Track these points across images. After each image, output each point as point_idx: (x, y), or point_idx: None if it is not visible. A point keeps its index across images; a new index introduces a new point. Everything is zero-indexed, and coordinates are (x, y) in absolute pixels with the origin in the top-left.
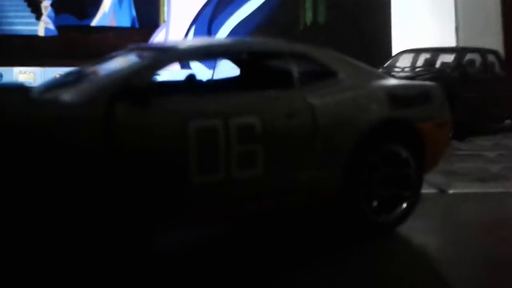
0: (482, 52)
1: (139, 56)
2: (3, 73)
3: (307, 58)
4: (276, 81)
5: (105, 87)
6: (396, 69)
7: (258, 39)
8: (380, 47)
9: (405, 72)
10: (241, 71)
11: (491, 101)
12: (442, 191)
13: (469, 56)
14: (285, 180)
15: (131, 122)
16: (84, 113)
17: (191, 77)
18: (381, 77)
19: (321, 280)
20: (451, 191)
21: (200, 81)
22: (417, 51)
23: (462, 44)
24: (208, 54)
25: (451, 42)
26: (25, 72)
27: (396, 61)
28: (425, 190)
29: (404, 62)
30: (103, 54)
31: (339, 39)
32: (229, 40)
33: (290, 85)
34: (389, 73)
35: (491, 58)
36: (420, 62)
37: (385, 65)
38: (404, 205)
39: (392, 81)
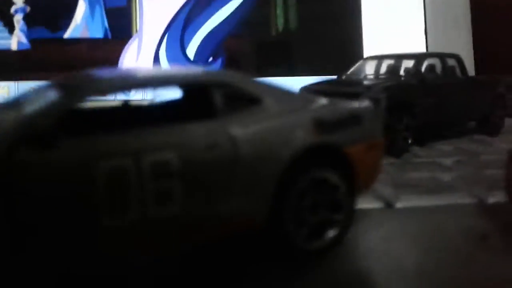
0: (442, 56)
1: (53, 93)
2: None
3: (230, 87)
4: (196, 112)
5: (6, 133)
6: (357, 77)
7: (182, 70)
8: (351, 52)
9: (367, 80)
10: (162, 103)
11: (451, 106)
12: (389, 205)
13: (429, 61)
14: (207, 215)
15: (33, 165)
16: None
17: (123, 106)
18: (308, 101)
19: None
20: (398, 205)
21: (127, 110)
22: (380, 58)
23: (431, 45)
24: (124, 87)
25: (421, 44)
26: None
27: (360, 68)
28: (371, 204)
29: (367, 69)
30: (77, 66)
31: (311, 44)
32: (149, 71)
33: (211, 116)
34: (351, 80)
35: (451, 62)
36: (383, 68)
37: (349, 72)
38: (336, 230)
39: (319, 106)
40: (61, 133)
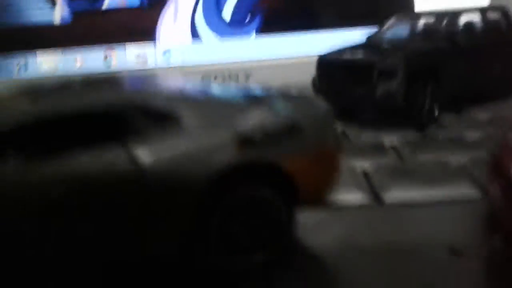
0: (484, 10)
1: None
2: (28, 62)
3: (140, 108)
4: (101, 137)
5: None
6: (383, 40)
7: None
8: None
9: (389, 45)
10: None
11: (491, 69)
12: (376, 198)
13: (467, 17)
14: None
15: None
16: None
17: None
18: (236, 112)
19: None
20: (388, 201)
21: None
22: (414, 15)
23: None
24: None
25: None
26: (47, 61)
27: (391, 27)
28: (355, 195)
29: (400, 28)
30: (116, 36)
31: None
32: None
33: (117, 141)
34: (372, 46)
35: (495, 16)
36: (417, 28)
37: (379, 31)
38: (269, 248)
39: (248, 117)
40: None
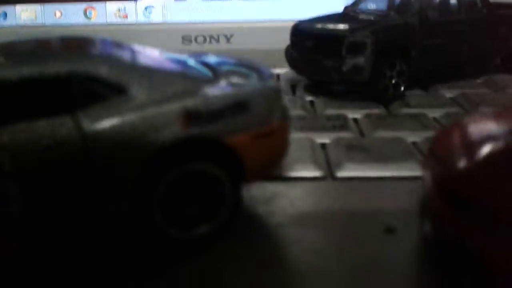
0: None
1: None
2: (7, 12)
3: (90, 76)
4: (47, 106)
5: None
6: (354, 14)
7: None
8: None
9: (360, 18)
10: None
11: (462, 46)
12: (322, 177)
13: None
14: (56, 219)
15: None
16: None
17: None
18: (186, 88)
19: None
20: (339, 174)
21: None
22: None
23: None
24: None
25: None
26: (26, 10)
27: (365, 1)
28: (308, 172)
29: (373, 3)
30: None
31: None
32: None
33: (61, 111)
34: (346, 18)
35: None
36: (391, 2)
37: (351, 5)
38: (213, 221)
39: (196, 93)
40: None
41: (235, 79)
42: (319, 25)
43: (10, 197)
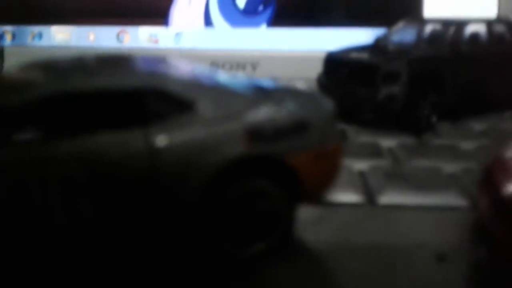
0: (490, 22)
1: None
2: (42, 32)
3: (159, 92)
4: (117, 120)
5: None
6: (390, 43)
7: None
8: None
9: (393, 49)
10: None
11: (493, 81)
12: (370, 200)
13: (471, 28)
14: (123, 234)
15: None
16: None
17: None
18: (251, 105)
19: None
20: (382, 202)
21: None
22: (422, 22)
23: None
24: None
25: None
26: (61, 32)
27: (398, 32)
28: (349, 197)
29: (406, 33)
30: (128, 15)
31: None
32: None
33: (132, 125)
34: (378, 48)
35: (499, 28)
36: (424, 34)
37: (385, 36)
38: (268, 240)
39: (260, 111)
40: None
41: (295, 100)
42: (353, 54)
43: (78, 207)
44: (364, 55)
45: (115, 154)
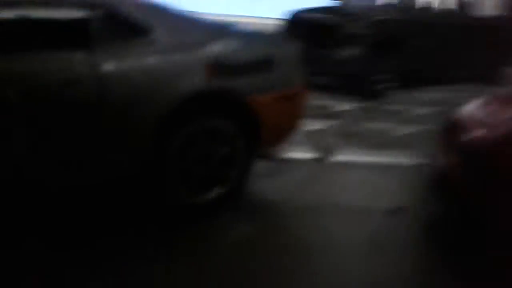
0: None
1: None
2: None
3: (112, 12)
4: (62, 39)
5: None
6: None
7: None
8: None
9: (354, 12)
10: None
11: (445, 50)
12: (319, 160)
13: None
14: (60, 161)
15: None
16: None
17: None
18: (212, 37)
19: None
20: (331, 159)
21: None
22: None
23: None
24: None
25: None
26: None
27: None
28: (302, 154)
29: None
30: None
31: None
32: None
33: (78, 46)
34: (339, 10)
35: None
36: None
37: None
38: (225, 186)
39: (223, 44)
40: None
41: (261, 39)
42: (315, 15)
43: (13, 132)
44: (326, 16)
45: (53, 76)
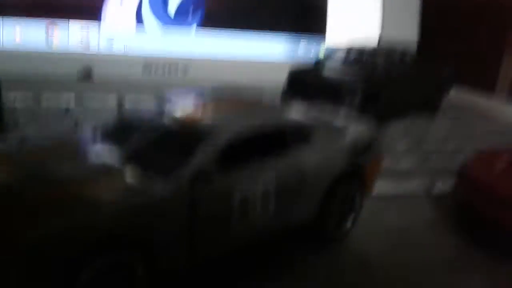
0: (395, 49)
1: None
2: None
3: (299, 130)
4: (280, 150)
5: None
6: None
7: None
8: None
9: (344, 74)
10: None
11: (406, 93)
12: None
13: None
14: (286, 219)
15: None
16: None
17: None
18: (343, 133)
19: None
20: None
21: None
22: (349, 50)
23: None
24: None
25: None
26: None
27: (334, 56)
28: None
29: (339, 57)
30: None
31: None
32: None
33: (289, 152)
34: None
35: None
36: (351, 58)
37: (324, 58)
38: (351, 220)
39: (349, 137)
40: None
41: (363, 130)
42: (317, 75)
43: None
44: (327, 78)
45: (280, 173)
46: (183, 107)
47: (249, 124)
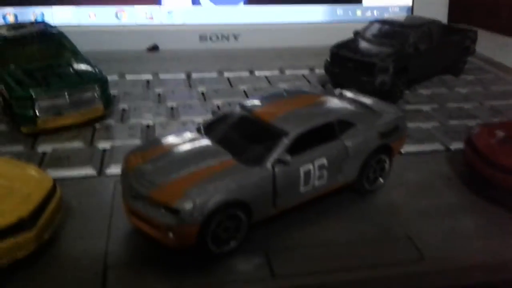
0: (428, 24)
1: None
2: (44, 13)
3: (344, 120)
4: (329, 135)
5: None
6: (368, 43)
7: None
8: None
9: (378, 49)
10: (311, 133)
11: (432, 63)
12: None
13: (420, 30)
14: (335, 181)
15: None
16: None
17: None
18: (377, 118)
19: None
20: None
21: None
22: (383, 22)
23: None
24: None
25: None
26: (62, 11)
27: (368, 30)
28: None
29: (374, 32)
30: None
31: None
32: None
33: (337, 137)
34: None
35: (433, 27)
36: (385, 34)
37: (360, 33)
38: (382, 179)
39: (381, 122)
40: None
41: (390, 113)
42: (356, 53)
43: (324, 176)
44: (364, 53)
45: (333, 152)
46: (261, 107)
47: (313, 123)
